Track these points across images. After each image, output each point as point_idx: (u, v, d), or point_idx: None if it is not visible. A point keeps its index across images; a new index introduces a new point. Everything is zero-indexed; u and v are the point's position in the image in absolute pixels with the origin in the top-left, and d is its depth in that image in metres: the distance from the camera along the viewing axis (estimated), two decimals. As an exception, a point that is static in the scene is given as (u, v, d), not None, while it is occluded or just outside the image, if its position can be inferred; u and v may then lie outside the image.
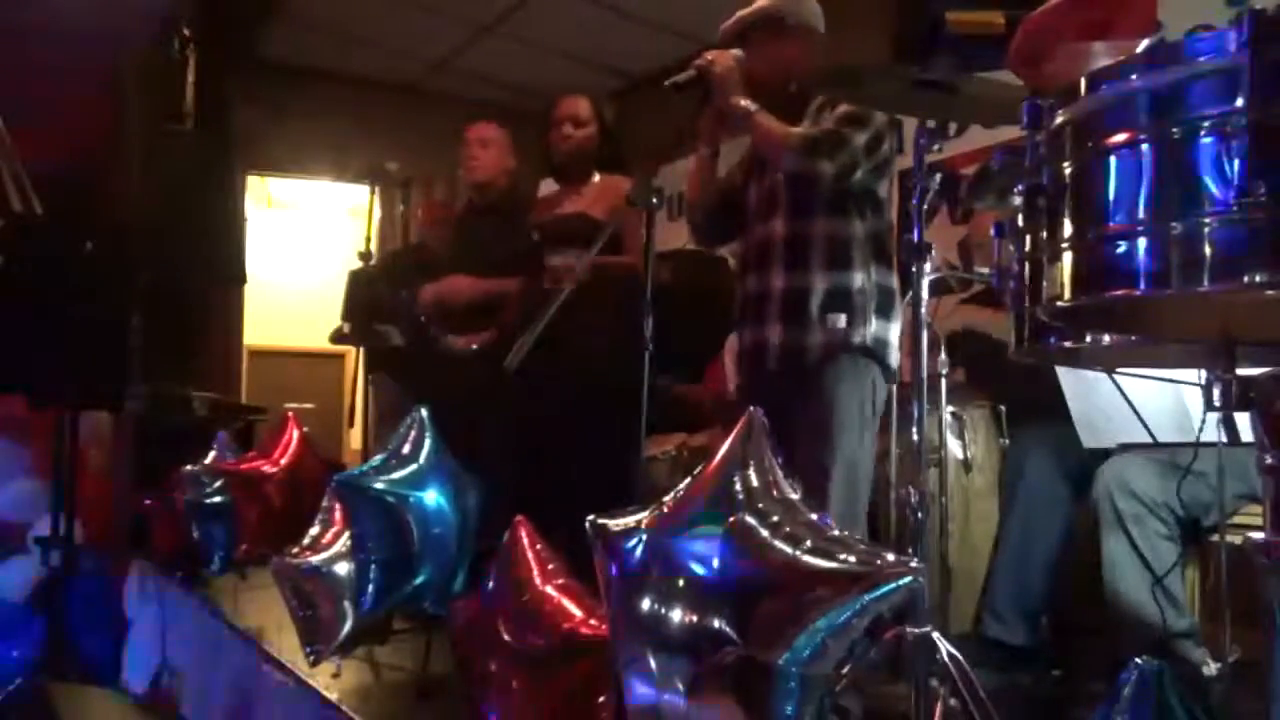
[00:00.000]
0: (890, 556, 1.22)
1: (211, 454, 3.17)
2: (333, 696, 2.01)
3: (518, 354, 2.10)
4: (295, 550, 2.17)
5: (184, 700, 2.81)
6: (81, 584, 3.36)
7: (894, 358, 2.29)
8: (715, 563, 1.28)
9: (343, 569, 2.10)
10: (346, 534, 2.16)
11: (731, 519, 1.29)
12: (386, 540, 2.08)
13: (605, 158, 3.12)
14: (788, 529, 1.26)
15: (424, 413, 2.21)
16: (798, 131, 2.23)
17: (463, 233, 3.66)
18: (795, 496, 1.33)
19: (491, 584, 1.71)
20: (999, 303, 2.51)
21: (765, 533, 1.26)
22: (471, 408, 3.04)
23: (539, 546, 1.71)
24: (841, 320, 2.22)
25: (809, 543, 1.24)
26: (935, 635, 1.66)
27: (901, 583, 1.18)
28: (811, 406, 2.20)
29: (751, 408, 1.39)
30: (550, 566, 1.68)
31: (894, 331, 2.30)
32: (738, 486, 1.32)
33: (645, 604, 1.31)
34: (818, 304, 2.23)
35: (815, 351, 2.23)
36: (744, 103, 2.25)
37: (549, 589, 1.65)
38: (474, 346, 3.28)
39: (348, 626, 2.07)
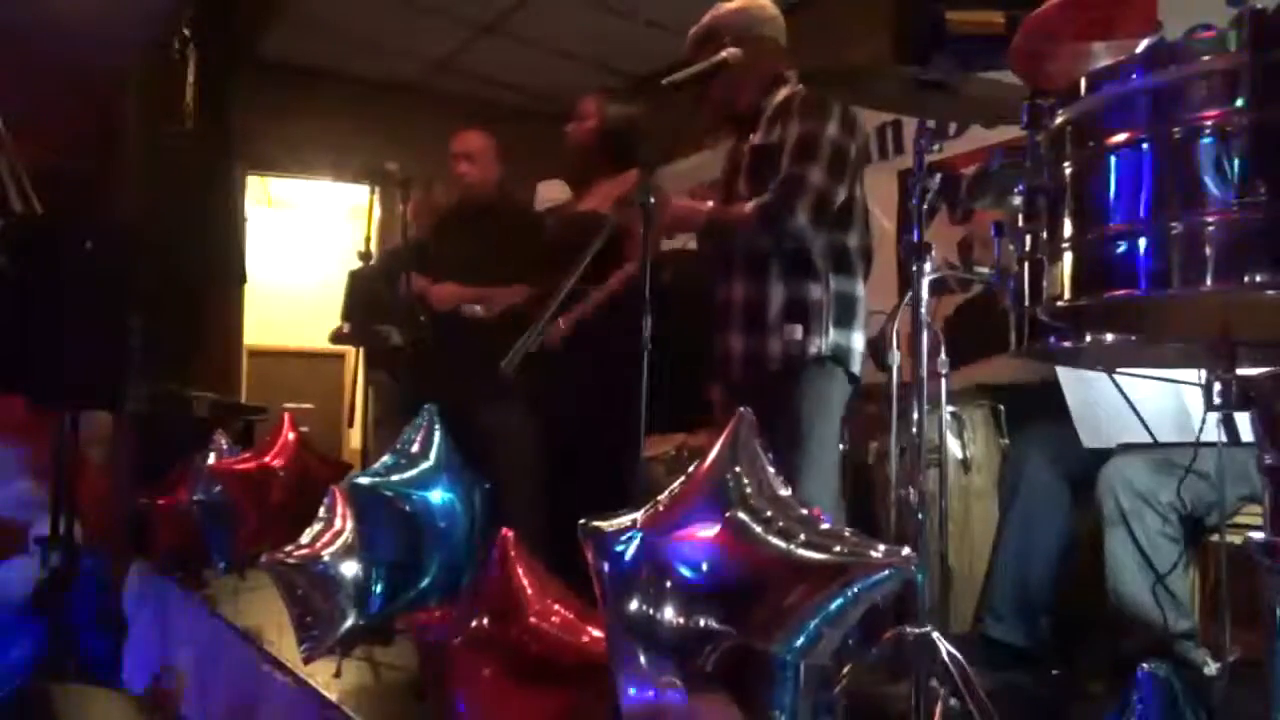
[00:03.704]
0: (881, 547, 1.24)
1: (211, 454, 3.17)
2: (333, 696, 2.01)
3: (515, 357, 2.09)
4: (292, 548, 2.17)
5: (184, 700, 2.81)
6: (81, 584, 3.35)
7: (855, 364, 2.33)
8: (710, 560, 1.29)
9: (341, 568, 2.10)
10: (346, 533, 2.16)
11: (725, 516, 1.29)
12: (397, 542, 2.08)
13: (610, 154, 3.10)
14: (780, 524, 1.28)
15: (434, 411, 2.21)
16: (751, 206, 2.25)
17: (447, 233, 3.67)
18: (786, 493, 1.34)
19: (475, 599, 1.70)
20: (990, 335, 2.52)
21: (759, 529, 1.27)
22: (471, 409, 3.04)
23: (525, 560, 1.70)
24: (799, 331, 2.26)
25: (802, 536, 1.26)
26: (935, 635, 1.66)
27: (893, 571, 1.19)
28: (775, 413, 2.21)
29: (742, 409, 1.40)
30: (541, 578, 1.68)
31: (855, 339, 2.33)
32: (730, 485, 1.32)
33: (640, 604, 1.31)
34: (775, 314, 2.27)
35: (775, 361, 2.27)
36: (688, 212, 2.32)
37: (544, 602, 1.65)
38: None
39: (345, 625, 2.07)
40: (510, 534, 1.71)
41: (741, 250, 2.33)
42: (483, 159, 3.54)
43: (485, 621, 1.65)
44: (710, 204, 2.32)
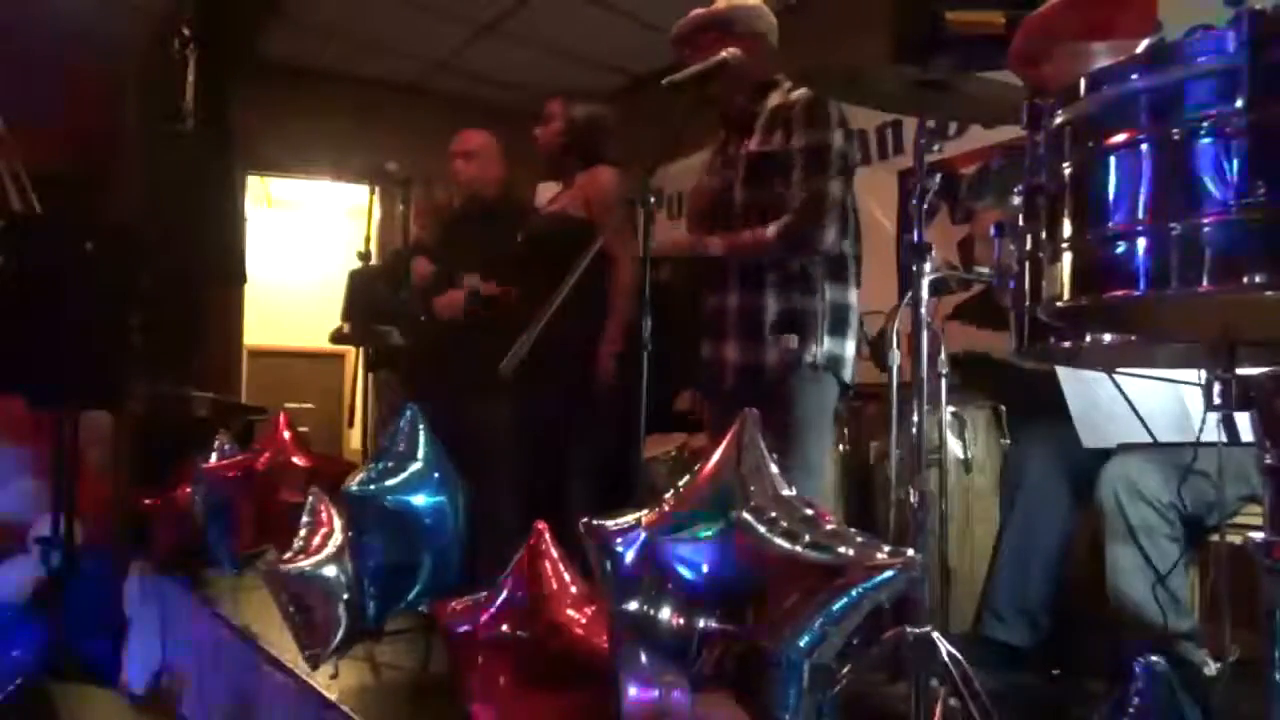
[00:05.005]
0: (886, 548, 1.24)
1: (214, 455, 3.17)
2: (332, 696, 2.01)
3: (513, 359, 2.09)
4: (287, 556, 2.16)
5: (184, 700, 2.81)
6: (81, 584, 3.36)
7: (848, 373, 2.34)
8: (715, 561, 1.29)
9: (335, 572, 2.10)
10: (336, 536, 2.15)
11: (730, 517, 1.29)
12: (391, 546, 2.08)
13: (577, 154, 3.10)
14: (785, 525, 1.28)
15: (416, 411, 2.20)
16: (772, 230, 2.24)
17: (452, 232, 3.67)
18: (791, 493, 1.34)
19: (506, 592, 1.70)
20: (994, 320, 2.53)
21: (763, 529, 1.28)
22: (472, 408, 3.04)
23: (556, 557, 1.70)
24: (794, 340, 2.27)
25: (807, 537, 1.26)
26: (935, 635, 1.66)
27: (897, 573, 1.19)
28: (767, 420, 2.21)
29: (747, 409, 1.40)
30: (567, 578, 1.68)
31: (848, 348, 2.35)
32: (735, 486, 1.32)
33: (644, 603, 1.31)
34: (770, 324, 2.28)
35: (771, 371, 2.28)
36: (695, 244, 2.33)
37: (566, 602, 1.65)
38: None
39: (343, 629, 2.07)
40: (544, 528, 1.71)
41: (737, 261, 2.33)
42: (482, 157, 3.52)
43: (510, 616, 1.66)
44: (716, 239, 2.31)
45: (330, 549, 2.12)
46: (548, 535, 1.71)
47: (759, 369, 2.29)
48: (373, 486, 2.08)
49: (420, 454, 2.15)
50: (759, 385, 2.28)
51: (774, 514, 1.30)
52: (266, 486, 2.91)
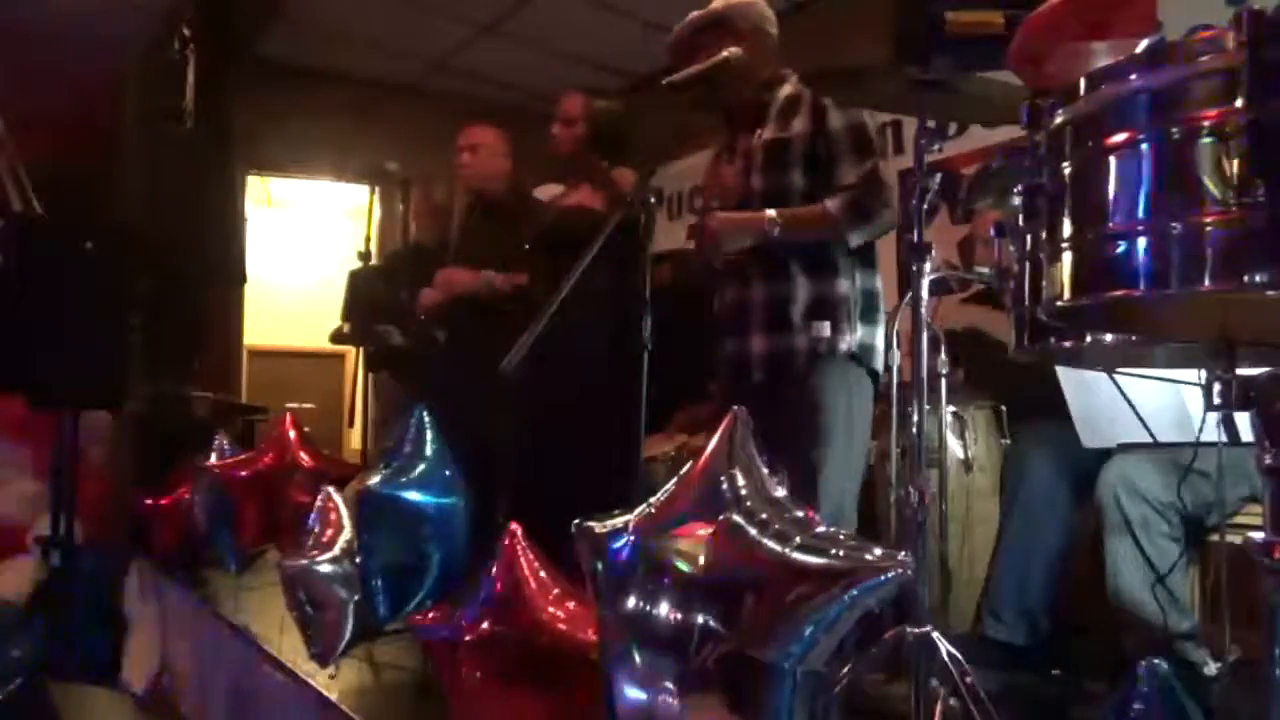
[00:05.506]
0: (878, 550, 1.22)
1: (213, 455, 3.17)
2: (332, 696, 2.01)
3: (515, 356, 2.09)
4: (299, 554, 2.16)
5: (184, 700, 2.81)
6: (81, 584, 3.36)
7: (878, 362, 2.29)
8: (704, 562, 1.28)
9: (347, 571, 2.10)
10: (349, 538, 2.15)
11: (720, 518, 1.29)
12: (401, 548, 2.08)
13: (599, 153, 3.08)
14: (776, 527, 1.26)
15: (423, 411, 2.20)
16: (834, 207, 2.21)
17: (464, 232, 3.65)
18: (782, 494, 1.33)
19: (484, 591, 1.70)
20: (1001, 303, 2.52)
21: (753, 531, 1.26)
22: (471, 408, 3.04)
23: (533, 555, 1.70)
24: (826, 328, 2.22)
25: (797, 539, 1.24)
26: (935, 635, 1.66)
27: (889, 576, 1.18)
28: (799, 408, 2.19)
29: (735, 408, 1.39)
30: (545, 575, 1.68)
31: (878, 336, 2.30)
32: (725, 486, 1.31)
33: (633, 605, 1.30)
34: (801, 311, 2.23)
35: (801, 359, 2.23)
36: (745, 222, 2.23)
37: (546, 599, 1.64)
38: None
39: (353, 631, 2.07)
40: (518, 527, 1.71)
41: (759, 251, 2.27)
42: (487, 152, 3.48)
43: (490, 616, 1.65)
44: (772, 211, 2.22)
45: (344, 551, 2.11)
46: (521, 533, 1.70)
47: (789, 358, 2.24)
48: (384, 487, 2.08)
49: (428, 454, 2.15)
50: (789, 376, 2.23)
51: (764, 516, 1.28)
52: (272, 486, 2.90)
